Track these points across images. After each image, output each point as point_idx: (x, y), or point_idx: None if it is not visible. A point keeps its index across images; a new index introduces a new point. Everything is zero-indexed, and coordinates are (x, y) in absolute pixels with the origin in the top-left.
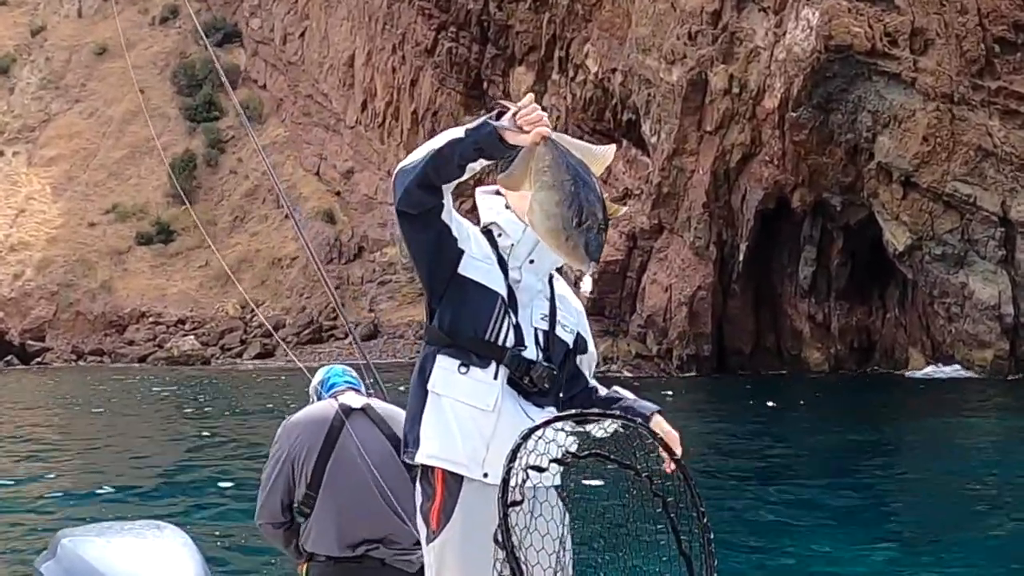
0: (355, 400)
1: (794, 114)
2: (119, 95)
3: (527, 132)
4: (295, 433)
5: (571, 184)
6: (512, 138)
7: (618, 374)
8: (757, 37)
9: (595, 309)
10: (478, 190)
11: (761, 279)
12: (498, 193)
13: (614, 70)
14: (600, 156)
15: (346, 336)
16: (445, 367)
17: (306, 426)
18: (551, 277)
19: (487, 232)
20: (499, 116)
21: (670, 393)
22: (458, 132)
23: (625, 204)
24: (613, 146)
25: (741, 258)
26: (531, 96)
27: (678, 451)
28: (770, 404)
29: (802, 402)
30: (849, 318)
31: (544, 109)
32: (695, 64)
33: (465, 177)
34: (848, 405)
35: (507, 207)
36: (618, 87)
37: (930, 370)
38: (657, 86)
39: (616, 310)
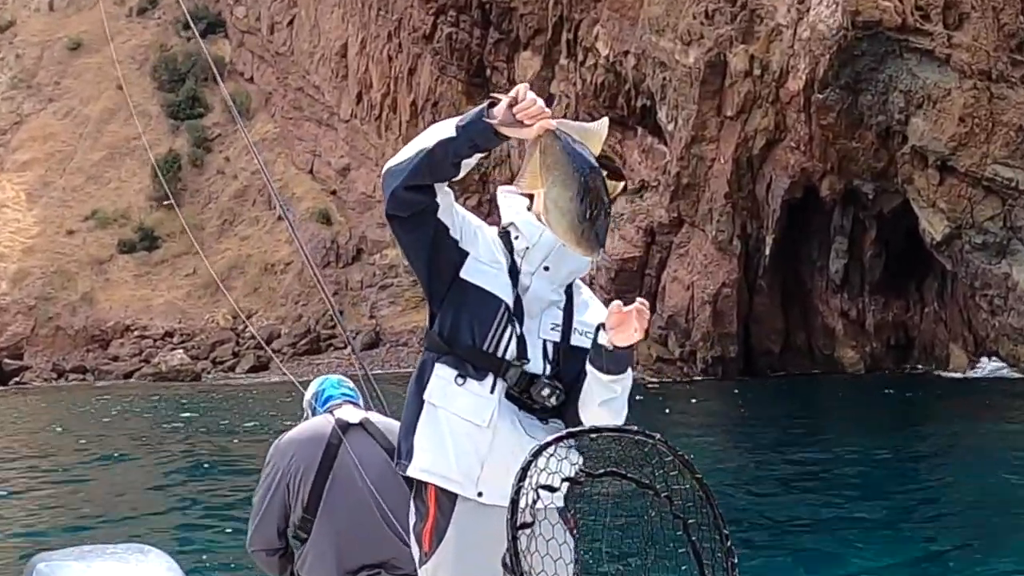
0: (353, 414)
1: (820, 96)
2: (96, 92)
3: (529, 126)
4: (289, 453)
5: (581, 175)
6: (513, 133)
7: (638, 380)
8: (779, 14)
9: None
10: (500, 188)
11: (789, 274)
12: (525, 195)
13: (626, 53)
14: (597, 133)
15: (346, 345)
16: (442, 376)
17: (301, 445)
18: (570, 286)
19: (505, 234)
20: (490, 107)
21: (694, 400)
22: (448, 129)
23: (642, 197)
24: (606, 120)
25: (767, 252)
26: (524, 86)
27: (642, 326)
28: (802, 408)
29: (836, 405)
30: (885, 314)
31: (552, 96)
32: (713, 45)
33: (462, 174)
34: (886, 407)
35: (529, 208)
36: (631, 71)
37: (976, 368)
38: (673, 69)
39: None
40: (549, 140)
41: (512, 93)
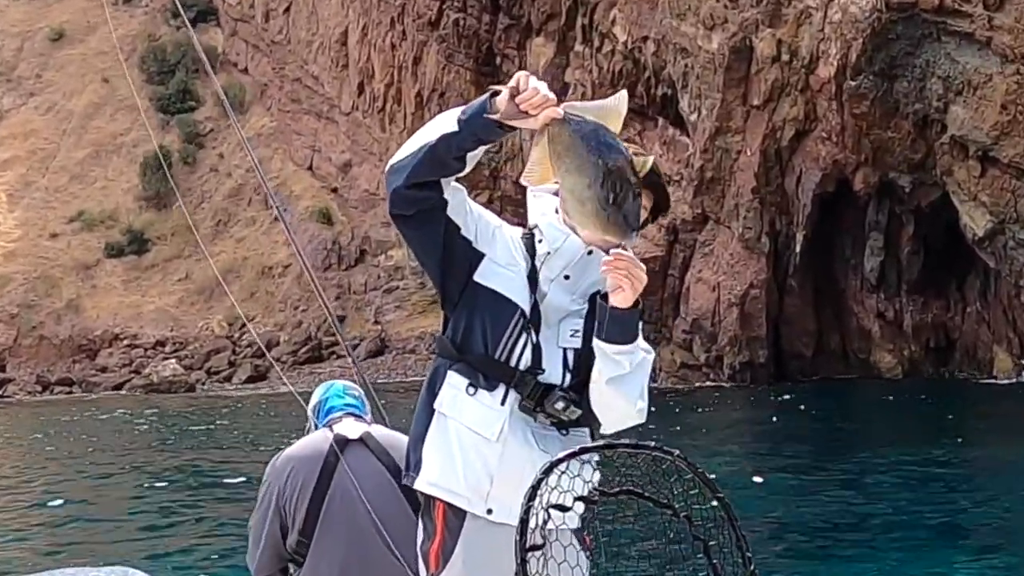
0: (353, 429)
1: (853, 83)
2: (80, 86)
3: (535, 115)
4: (285, 472)
5: (596, 157)
6: (519, 124)
7: (661, 387)
8: None
9: None
10: (530, 188)
11: (821, 273)
12: (555, 193)
13: (645, 38)
14: (615, 109)
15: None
16: (454, 385)
17: (296, 463)
18: (595, 294)
19: (530, 236)
20: (492, 97)
21: (721, 408)
22: (450, 123)
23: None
24: (623, 93)
25: (798, 249)
26: (524, 74)
27: (634, 276)
28: (835, 416)
29: (872, 413)
30: (924, 314)
31: (566, 85)
32: (738, 29)
33: (469, 168)
34: (925, 415)
35: (558, 211)
36: (651, 58)
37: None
38: (695, 55)
39: (657, 314)
40: (557, 127)
41: (512, 82)
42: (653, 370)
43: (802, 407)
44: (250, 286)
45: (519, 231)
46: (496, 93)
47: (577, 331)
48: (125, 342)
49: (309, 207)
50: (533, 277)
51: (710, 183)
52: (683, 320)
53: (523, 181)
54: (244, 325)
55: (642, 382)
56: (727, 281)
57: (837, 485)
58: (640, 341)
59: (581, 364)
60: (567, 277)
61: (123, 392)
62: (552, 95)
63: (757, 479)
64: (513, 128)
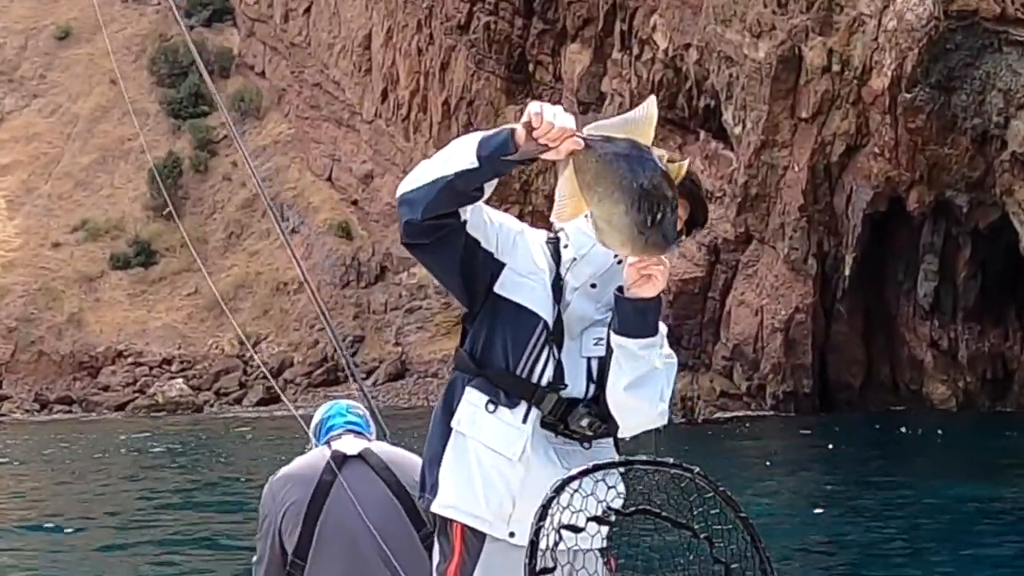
0: (352, 445)
1: (908, 96)
2: (86, 88)
3: (555, 147)
4: (280, 493)
5: (629, 181)
6: (542, 156)
7: (700, 417)
8: (861, 3)
9: (670, 338)
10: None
11: (871, 298)
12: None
13: (688, 46)
14: (644, 120)
15: (368, 375)
16: (473, 402)
17: (291, 481)
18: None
19: (555, 240)
20: (511, 134)
21: (761, 439)
22: (467, 157)
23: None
24: (652, 100)
25: (847, 272)
26: (536, 106)
27: (663, 272)
28: (884, 450)
29: (924, 448)
30: (980, 343)
31: (603, 95)
32: (786, 37)
33: (488, 194)
34: (981, 451)
35: (586, 216)
36: (693, 67)
37: None
38: (740, 64)
39: (696, 339)
40: (582, 156)
41: (525, 118)
42: (689, 397)
43: (849, 440)
44: (263, 303)
45: (543, 235)
46: (515, 131)
47: (601, 339)
48: (129, 359)
49: (327, 220)
50: (557, 285)
51: (754, 200)
52: (723, 346)
53: (554, 219)
54: (257, 343)
55: (663, 382)
56: (771, 305)
57: (880, 522)
58: (663, 337)
59: (604, 373)
60: (594, 286)
61: (126, 412)
62: (571, 123)
63: (798, 513)
64: (536, 159)
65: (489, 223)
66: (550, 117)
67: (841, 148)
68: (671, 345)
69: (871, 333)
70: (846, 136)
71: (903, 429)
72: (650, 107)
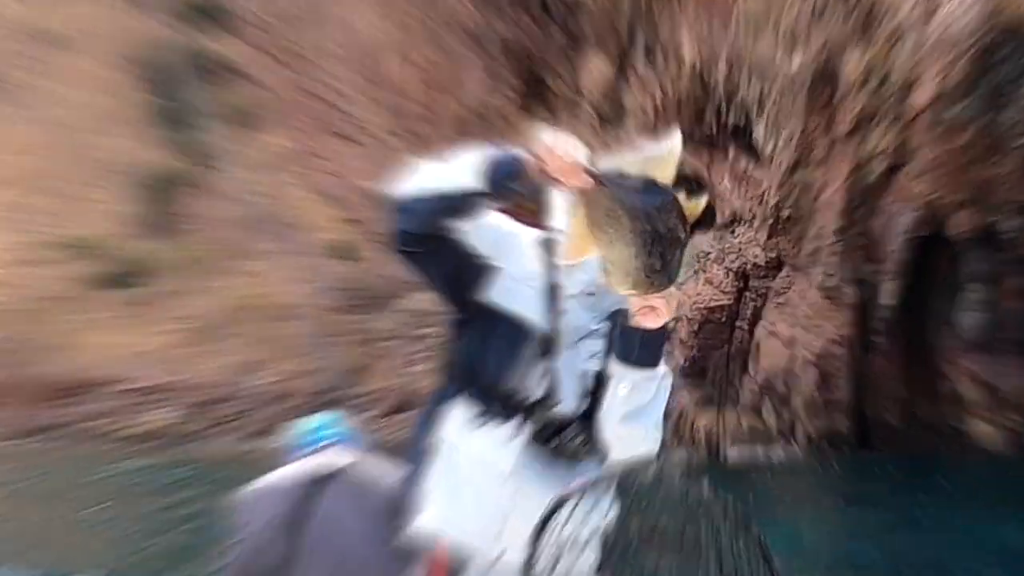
0: (332, 460)
1: (952, 112)
2: (75, 98)
3: (565, 181)
4: (254, 511)
5: (643, 225)
6: (552, 188)
7: (724, 457)
8: (902, 13)
9: (694, 371)
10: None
11: (912, 329)
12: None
13: (716, 58)
14: (665, 156)
15: (374, 405)
16: (460, 416)
17: (264, 500)
18: (616, 312)
19: (551, 241)
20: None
21: (792, 481)
22: (476, 180)
23: (733, 233)
24: (676, 133)
25: (886, 301)
26: (545, 144)
27: (665, 310)
28: (926, 493)
29: (968, 491)
30: None
31: (625, 110)
32: (822, 48)
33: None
34: None
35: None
36: (722, 80)
37: None
38: (773, 78)
39: (722, 372)
40: (594, 195)
41: (535, 149)
42: (716, 437)
43: (887, 483)
44: (262, 328)
45: (536, 233)
46: (519, 164)
47: (595, 353)
48: (116, 387)
49: (329, 240)
50: (552, 290)
51: (787, 223)
52: (752, 380)
53: (562, 259)
54: (252, 371)
55: (660, 410)
56: (804, 336)
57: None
58: (663, 365)
59: (599, 387)
60: (591, 294)
61: (112, 442)
62: (583, 157)
63: (833, 566)
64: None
65: (483, 228)
66: (561, 151)
67: (880, 168)
68: (695, 378)
69: (911, 367)
70: (885, 155)
71: (945, 472)
72: (673, 143)
